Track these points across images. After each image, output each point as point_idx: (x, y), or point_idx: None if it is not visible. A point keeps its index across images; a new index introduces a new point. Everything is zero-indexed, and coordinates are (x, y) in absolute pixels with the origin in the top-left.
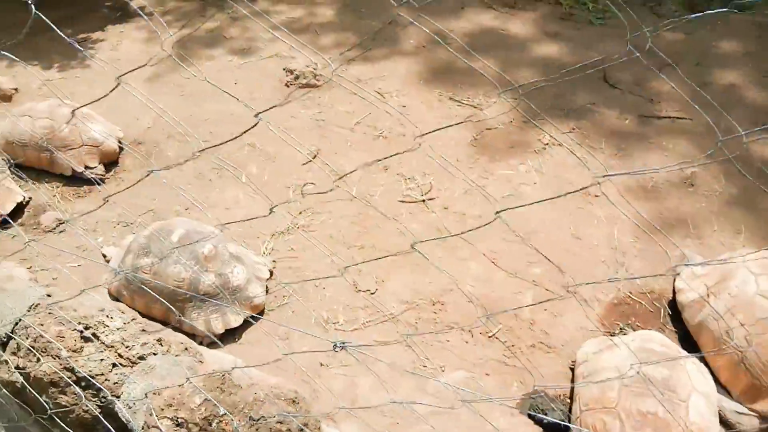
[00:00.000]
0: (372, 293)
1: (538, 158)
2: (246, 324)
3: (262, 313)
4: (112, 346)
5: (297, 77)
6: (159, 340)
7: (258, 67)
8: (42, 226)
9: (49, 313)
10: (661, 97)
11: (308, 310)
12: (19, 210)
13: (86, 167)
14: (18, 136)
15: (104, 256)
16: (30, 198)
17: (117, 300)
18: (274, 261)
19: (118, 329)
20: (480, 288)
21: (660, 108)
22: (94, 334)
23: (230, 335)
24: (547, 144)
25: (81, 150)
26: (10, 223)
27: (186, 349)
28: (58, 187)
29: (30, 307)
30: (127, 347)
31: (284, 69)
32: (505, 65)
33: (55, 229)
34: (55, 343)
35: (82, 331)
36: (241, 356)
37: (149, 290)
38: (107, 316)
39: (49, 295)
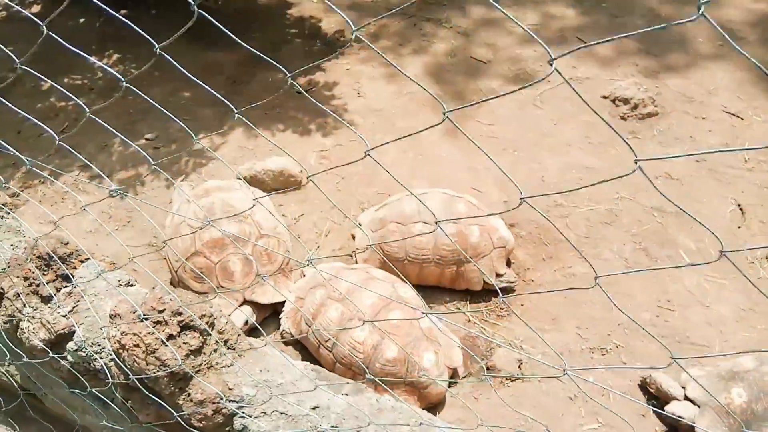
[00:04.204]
0: None
1: None
2: None
3: None
4: None
5: (635, 106)
6: None
7: (563, 98)
8: (499, 372)
9: None
10: None
11: None
12: None
13: (497, 275)
14: (413, 252)
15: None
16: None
17: None
18: None
19: None
20: None
21: None
22: None
23: None
24: None
25: (492, 255)
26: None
27: None
28: (465, 309)
29: None
30: None
31: (609, 97)
32: None
33: (515, 375)
34: None
35: None
36: None
37: None
38: None
39: None
